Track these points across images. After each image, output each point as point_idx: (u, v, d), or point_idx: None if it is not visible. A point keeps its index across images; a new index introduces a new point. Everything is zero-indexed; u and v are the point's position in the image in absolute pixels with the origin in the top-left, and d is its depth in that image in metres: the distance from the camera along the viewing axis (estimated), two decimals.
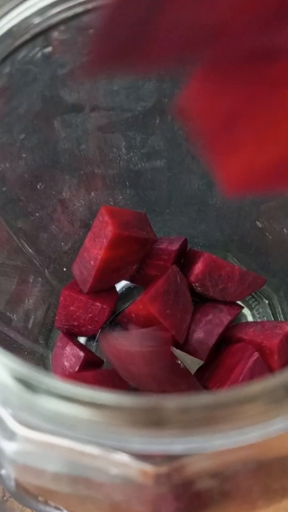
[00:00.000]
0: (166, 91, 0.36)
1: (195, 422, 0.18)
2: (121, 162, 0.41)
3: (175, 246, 0.44)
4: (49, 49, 0.29)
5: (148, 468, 0.22)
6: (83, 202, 0.43)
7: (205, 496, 0.23)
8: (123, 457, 0.22)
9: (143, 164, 0.42)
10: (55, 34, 0.28)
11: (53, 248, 0.45)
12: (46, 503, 0.28)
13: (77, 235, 0.46)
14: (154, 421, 0.19)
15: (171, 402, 0.19)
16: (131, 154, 0.41)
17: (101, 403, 0.19)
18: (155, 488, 0.22)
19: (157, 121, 0.39)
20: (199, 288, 0.41)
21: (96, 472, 0.22)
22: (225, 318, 0.41)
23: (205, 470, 0.21)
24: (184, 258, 0.45)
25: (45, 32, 0.27)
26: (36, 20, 0.26)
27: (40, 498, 0.28)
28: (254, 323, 0.41)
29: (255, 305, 0.48)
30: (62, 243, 0.46)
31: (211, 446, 0.19)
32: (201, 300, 0.43)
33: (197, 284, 0.42)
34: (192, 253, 0.44)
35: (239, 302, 0.44)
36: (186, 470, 0.21)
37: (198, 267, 0.42)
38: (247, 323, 0.42)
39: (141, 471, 0.22)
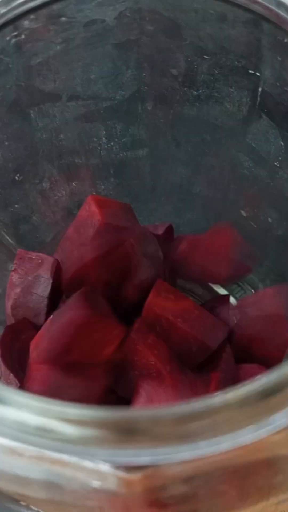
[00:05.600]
0: (145, 80, 0.35)
1: (166, 434, 0.18)
2: (102, 151, 0.40)
3: (160, 231, 0.43)
4: (20, 38, 0.28)
5: (120, 474, 0.21)
6: (64, 192, 0.43)
7: (181, 502, 0.22)
8: (95, 465, 0.21)
9: (124, 153, 0.41)
10: (25, 23, 0.27)
11: (35, 239, 0.45)
12: (28, 507, 0.28)
13: (60, 225, 0.45)
14: (124, 433, 0.18)
15: (142, 413, 0.18)
16: (112, 144, 0.40)
17: (70, 418, 0.19)
18: (128, 494, 0.22)
19: (138, 110, 0.38)
20: (182, 268, 0.41)
21: (67, 480, 0.22)
22: None
23: (178, 476, 0.20)
24: (172, 245, 0.45)
25: (14, 21, 0.26)
26: (2, 9, 0.25)
27: (21, 503, 0.27)
28: None
29: (241, 294, 0.48)
30: (45, 234, 0.46)
31: (182, 457, 0.18)
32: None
33: (180, 263, 0.41)
34: (179, 238, 0.44)
35: (225, 292, 0.44)
36: (158, 476, 0.21)
37: (182, 246, 0.41)
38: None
39: (113, 477, 0.21)
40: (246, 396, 0.18)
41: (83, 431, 0.18)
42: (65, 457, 0.21)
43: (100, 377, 0.32)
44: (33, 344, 0.32)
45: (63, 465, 0.21)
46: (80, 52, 0.32)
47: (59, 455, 0.21)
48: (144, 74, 0.34)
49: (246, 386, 0.18)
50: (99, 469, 0.21)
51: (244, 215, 0.44)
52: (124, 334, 0.33)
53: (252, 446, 0.18)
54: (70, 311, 0.31)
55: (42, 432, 0.19)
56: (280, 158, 0.37)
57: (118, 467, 0.21)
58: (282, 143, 0.35)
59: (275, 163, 0.38)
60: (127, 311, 0.38)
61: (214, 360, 0.37)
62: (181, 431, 0.18)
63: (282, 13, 0.22)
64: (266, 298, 0.38)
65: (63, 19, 0.28)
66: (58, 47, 0.30)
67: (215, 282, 0.42)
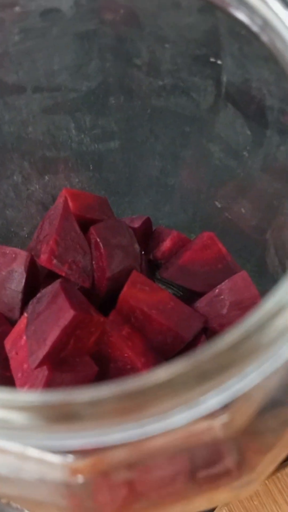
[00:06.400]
0: (110, 70, 0.35)
1: (106, 413, 0.18)
2: (72, 144, 0.40)
3: (137, 224, 0.43)
4: None
5: (67, 463, 0.21)
6: (37, 186, 0.42)
7: (129, 489, 0.22)
8: (41, 454, 0.21)
9: (96, 146, 0.41)
10: None
11: (10, 234, 0.45)
12: (8, 505, 0.28)
13: (35, 219, 0.45)
14: (65, 416, 0.18)
15: (81, 395, 0.18)
16: (82, 136, 0.40)
17: (12, 405, 0.18)
18: (76, 484, 0.22)
19: (106, 101, 0.38)
20: (166, 270, 0.41)
21: (23, 473, 0.22)
22: None
23: (121, 461, 0.20)
24: (150, 237, 0.45)
25: None
26: None
27: (2, 500, 0.27)
28: None
29: None
30: (21, 228, 0.45)
31: (124, 437, 0.18)
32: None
33: (162, 262, 0.41)
34: (160, 231, 0.43)
35: None
36: (103, 462, 0.21)
37: (166, 245, 0.41)
38: None
39: (62, 466, 0.21)
40: (177, 376, 0.17)
41: (20, 416, 0.18)
42: (9, 444, 0.21)
43: (89, 365, 0.32)
44: (24, 351, 0.33)
45: (8, 454, 0.21)
46: (40, 42, 0.32)
47: (5, 445, 0.21)
48: (108, 64, 0.34)
49: (182, 363, 0.18)
50: (45, 458, 0.21)
51: (219, 206, 0.44)
52: (104, 322, 0.33)
53: (188, 429, 0.18)
54: (56, 314, 0.32)
55: None
56: (248, 148, 0.37)
57: (64, 455, 0.21)
58: (249, 132, 0.35)
59: (244, 153, 0.38)
60: (104, 301, 0.38)
61: (190, 350, 0.37)
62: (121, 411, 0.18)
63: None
64: (237, 285, 0.37)
65: (17, 8, 0.27)
66: (17, 37, 0.30)
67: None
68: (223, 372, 0.17)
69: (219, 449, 0.21)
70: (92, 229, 0.38)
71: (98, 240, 0.37)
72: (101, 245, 0.36)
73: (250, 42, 0.26)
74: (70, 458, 0.20)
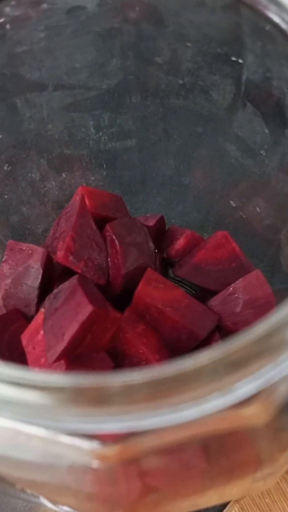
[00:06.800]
0: (131, 69, 0.35)
1: (138, 399, 0.18)
2: (90, 142, 0.41)
3: (151, 222, 0.43)
4: (2, 25, 0.28)
5: (98, 449, 0.21)
6: (54, 183, 0.43)
7: (157, 476, 0.22)
8: (70, 440, 0.21)
9: (113, 144, 0.42)
10: (7, 9, 0.27)
11: (26, 230, 0.45)
12: (23, 490, 0.28)
13: (51, 217, 0.46)
14: (97, 400, 0.18)
15: (113, 380, 0.18)
16: (100, 134, 0.40)
17: (44, 386, 0.19)
18: (105, 469, 0.22)
19: (125, 100, 0.38)
20: (179, 268, 0.41)
21: (49, 458, 0.22)
22: None
23: (151, 448, 0.21)
24: (164, 236, 0.45)
25: None
26: None
27: (17, 486, 0.28)
28: None
29: None
30: (36, 225, 0.46)
31: (156, 423, 0.19)
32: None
33: (176, 260, 0.42)
34: (174, 229, 0.44)
35: None
36: (133, 449, 0.21)
37: (179, 243, 0.42)
38: None
39: (90, 452, 0.22)
40: (211, 363, 0.18)
41: (59, 399, 0.18)
42: (37, 430, 0.21)
43: (105, 361, 0.33)
44: (41, 346, 0.33)
45: (39, 440, 0.21)
46: (63, 40, 0.32)
47: (37, 431, 0.21)
48: (129, 63, 0.35)
49: (213, 352, 0.18)
50: (74, 443, 0.21)
51: (234, 205, 0.45)
52: (120, 318, 0.33)
53: (220, 416, 0.19)
54: (74, 310, 0.32)
55: (17, 404, 0.19)
56: (265, 147, 0.37)
57: (93, 441, 0.21)
58: (267, 131, 0.36)
59: (261, 152, 0.38)
60: (118, 298, 0.39)
61: (204, 348, 0.37)
62: (153, 396, 0.18)
63: None
64: (251, 283, 0.38)
65: (44, 5, 0.28)
66: (42, 34, 0.30)
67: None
68: (257, 360, 0.17)
69: (245, 438, 0.21)
70: (108, 226, 0.38)
71: (114, 237, 0.37)
72: (116, 242, 0.37)
73: (274, 41, 0.27)
74: (99, 444, 0.21)
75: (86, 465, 0.22)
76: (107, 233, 0.38)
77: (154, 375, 0.17)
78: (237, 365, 0.17)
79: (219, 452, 0.22)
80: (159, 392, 0.18)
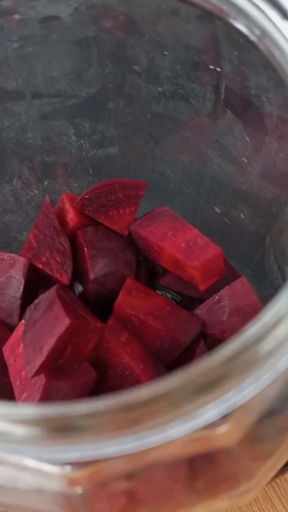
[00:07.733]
0: (109, 77, 0.35)
1: (104, 426, 0.18)
2: (72, 149, 0.40)
3: None
4: None
5: (64, 474, 0.21)
6: (36, 191, 0.42)
7: (127, 499, 0.22)
8: (39, 465, 0.21)
9: (96, 151, 0.41)
10: None
11: (9, 238, 0.45)
12: None
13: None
14: (64, 429, 0.18)
15: (79, 408, 0.18)
16: (81, 141, 0.40)
17: (11, 418, 0.18)
18: (74, 494, 0.22)
19: (105, 107, 0.38)
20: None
21: (13, 481, 0.22)
22: None
23: (119, 473, 0.20)
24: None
25: None
26: None
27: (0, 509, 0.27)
28: None
29: None
30: (20, 233, 0.45)
31: (122, 450, 0.18)
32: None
33: (160, 268, 0.41)
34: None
35: None
36: (102, 473, 0.21)
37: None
38: None
39: (56, 477, 0.21)
40: (175, 388, 0.17)
41: (18, 429, 0.18)
42: (5, 456, 0.21)
43: (87, 372, 0.32)
44: (22, 359, 0.33)
45: (5, 465, 0.21)
46: (39, 49, 0.32)
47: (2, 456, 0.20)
48: (107, 71, 0.34)
49: (175, 377, 0.18)
50: (43, 469, 0.21)
51: (218, 211, 0.44)
52: (102, 328, 0.33)
53: (186, 440, 0.18)
54: (52, 322, 0.32)
55: None
56: (247, 154, 0.37)
57: (62, 466, 0.21)
58: (247, 138, 0.35)
59: (243, 159, 0.38)
60: (102, 307, 0.38)
61: (189, 356, 0.37)
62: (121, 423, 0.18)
63: (224, 7, 0.22)
64: (237, 291, 0.37)
65: (16, 16, 0.27)
66: (16, 44, 0.30)
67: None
68: (221, 385, 0.17)
69: (218, 458, 0.21)
70: (78, 232, 0.38)
71: (82, 242, 0.37)
72: (84, 247, 0.36)
73: (248, 50, 0.27)
74: (67, 468, 0.20)
75: (57, 489, 0.22)
76: (77, 238, 0.38)
77: (117, 402, 0.17)
78: (201, 390, 0.17)
79: (193, 472, 0.22)
80: (123, 419, 0.17)
